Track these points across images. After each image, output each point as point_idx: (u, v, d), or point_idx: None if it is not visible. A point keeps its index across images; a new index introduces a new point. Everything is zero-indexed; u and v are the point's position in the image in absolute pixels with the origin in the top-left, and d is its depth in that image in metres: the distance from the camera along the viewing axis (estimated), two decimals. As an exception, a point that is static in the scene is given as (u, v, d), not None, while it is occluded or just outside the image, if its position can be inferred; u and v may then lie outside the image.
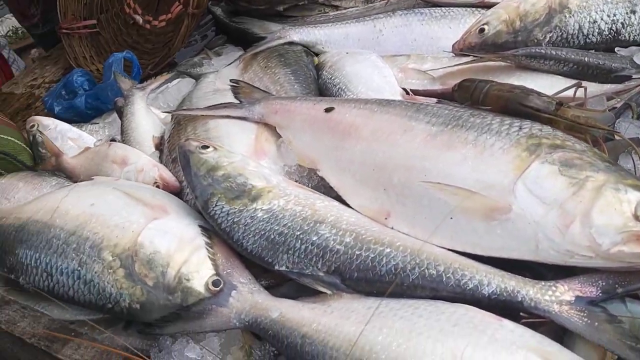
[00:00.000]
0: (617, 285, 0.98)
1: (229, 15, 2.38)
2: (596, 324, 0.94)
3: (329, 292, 1.11)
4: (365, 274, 1.10)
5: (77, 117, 2.01)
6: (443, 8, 1.85)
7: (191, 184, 1.32)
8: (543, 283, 1.01)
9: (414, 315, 0.99)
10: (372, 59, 1.70)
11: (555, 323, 0.98)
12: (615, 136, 1.21)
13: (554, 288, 1.00)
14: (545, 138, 1.12)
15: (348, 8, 2.25)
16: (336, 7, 2.31)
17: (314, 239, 1.16)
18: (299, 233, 1.18)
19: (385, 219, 1.21)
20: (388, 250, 1.10)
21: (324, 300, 1.10)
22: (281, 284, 1.23)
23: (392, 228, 1.19)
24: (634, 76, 1.44)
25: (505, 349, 0.90)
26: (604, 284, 0.99)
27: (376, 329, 0.99)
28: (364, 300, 1.08)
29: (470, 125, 1.20)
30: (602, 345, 0.92)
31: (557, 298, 0.99)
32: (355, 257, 1.11)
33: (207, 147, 1.36)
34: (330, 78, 1.70)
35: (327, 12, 2.27)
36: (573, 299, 0.98)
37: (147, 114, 1.79)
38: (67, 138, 1.83)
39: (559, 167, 1.06)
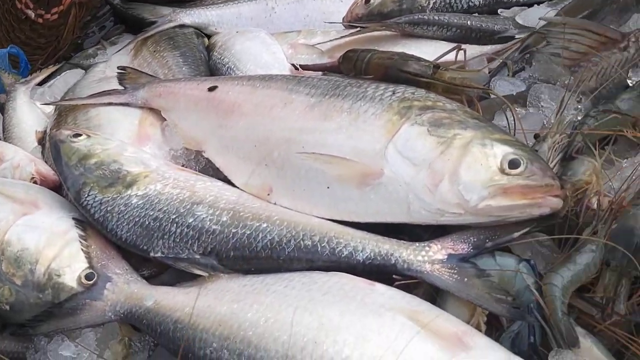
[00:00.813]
0: (487, 240, 0.97)
1: (126, 2, 2.28)
2: (465, 279, 0.93)
3: (205, 274, 1.06)
4: (242, 251, 1.06)
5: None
6: (335, -18, 1.82)
7: (62, 174, 1.25)
8: (417, 244, 1.00)
9: (287, 288, 0.96)
10: (262, 36, 1.65)
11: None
12: (491, 95, 1.21)
13: (427, 248, 0.99)
14: (417, 100, 1.11)
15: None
16: (236, -14, 2.25)
17: (190, 221, 1.11)
18: (174, 217, 1.13)
19: (268, 194, 1.17)
20: (264, 225, 1.07)
21: (201, 283, 1.06)
22: (162, 272, 1.17)
23: (275, 203, 1.15)
24: (516, 36, 1.45)
25: (373, 312, 0.88)
26: (475, 239, 0.98)
27: (247, 305, 0.95)
28: (240, 278, 1.04)
29: (347, 93, 1.17)
30: (470, 300, 0.91)
31: (430, 258, 0.97)
32: (231, 235, 1.07)
33: (80, 135, 1.29)
34: (220, 58, 1.65)
35: (226, -10, 2.21)
36: (445, 257, 0.97)
37: (31, 109, 1.69)
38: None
39: (427, 128, 1.05)
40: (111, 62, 1.83)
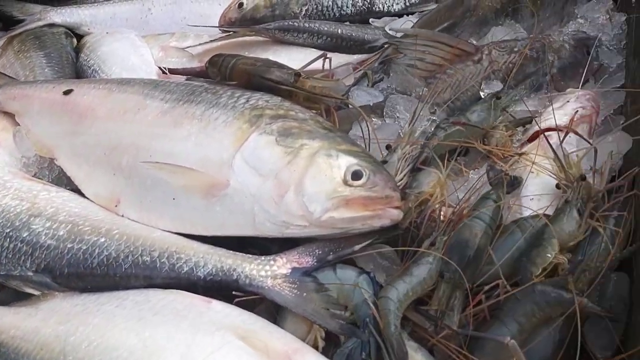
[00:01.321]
0: (330, 253, 0.96)
1: (-3, -2, 2.14)
2: (304, 294, 0.91)
3: (37, 293, 0.99)
4: (77, 268, 1.00)
5: None
6: (214, -17, 1.78)
7: None
8: (262, 258, 0.97)
9: (118, 308, 0.91)
10: (131, 37, 1.59)
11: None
12: (349, 105, 1.21)
13: (272, 262, 0.96)
14: (269, 109, 1.08)
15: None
16: (117, -16, 2.16)
17: (25, 235, 1.04)
18: (8, 230, 1.05)
19: (116, 206, 1.11)
20: (102, 240, 1.01)
21: (33, 303, 0.98)
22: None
23: (123, 215, 1.09)
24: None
25: (203, 331, 0.85)
26: (319, 252, 0.96)
27: (73, 327, 0.89)
28: (75, 297, 0.97)
29: (201, 100, 1.13)
30: (306, 316, 0.89)
31: (273, 272, 0.95)
32: (66, 251, 1.01)
33: None
34: (86, 60, 1.57)
35: (109, -10, 2.11)
36: (289, 271, 0.95)
37: None
38: None
39: (276, 137, 1.02)
40: (-31, 60, 1.71)
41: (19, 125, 1.34)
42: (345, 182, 0.97)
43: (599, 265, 0.90)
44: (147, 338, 0.84)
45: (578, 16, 1.52)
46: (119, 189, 1.12)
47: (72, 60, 1.63)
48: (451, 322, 0.89)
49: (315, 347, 0.89)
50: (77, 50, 1.66)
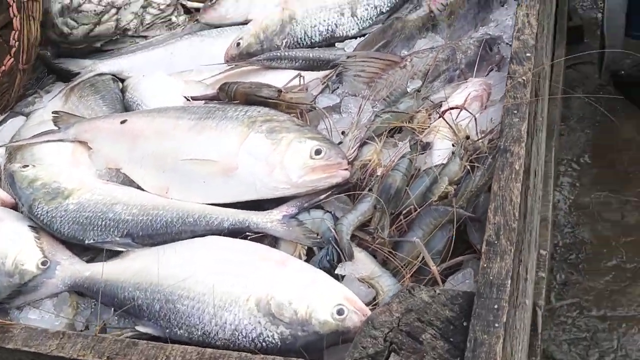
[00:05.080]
0: (305, 202, 1.49)
1: (55, 57, 2.73)
2: (290, 228, 1.45)
3: (123, 249, 1.55)
4: (147, 231, 1.55)
5: None
6: (218, 29, 2.33)
7: (17, 195, 1.71)
8: (264, 212, 1.51)
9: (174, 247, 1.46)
10: (161, 77, 2.15)
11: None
12: (316, 107, 1.74)
13: (270, 213, 1.50)
14: (260, 117, 1.63)
15: (154, 36, 2.68)
16: (145, 37, 2.73)
17: (110, 215, 1.59)
18: (99, 214, 1.61)
19: (167, 192, 1.66)
20: (161, 212, 1.56)
21: (122, 256, 1.54)
22: (96, 256, 1.65)
23: (172, 198, 1.65)
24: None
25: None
26: (299, 203, 1.50)
27: (150, 260, 1.44)
28: (149, 249, 1.53)
29: (215, 116, 1.68)
30: (292, 240, 1.44)
31: (272, 218, 1.49)
32: (139, 221, 1.56)
33: (27, 166, 1.75)
34: (131, 97, 2.13)
35: (138, 42, 2.69)
36: (281, 217, 1.49)
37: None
38: None
39: (265, 134, 1.57)
40: (47, 107, 2.28)
41: (91, 149, 1.91)
42: (311, 157, 1.50)
43: (473, 189, 1.41)
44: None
45: (492, 20, 2.03)
46: (167, 181, 1.66)
47: (120, 99, 2.19)
48: (382, 234, 1.41)
49: (300, 258, 1.43)
50: (123, 90, 2.24)
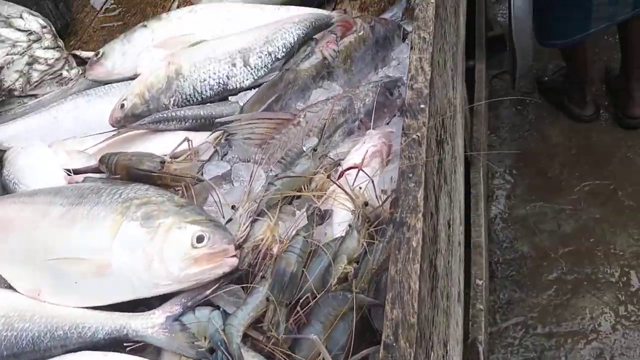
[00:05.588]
0: (190, 300, 1.30)
1: None
2: (173, 335, 1.26)
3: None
4: (12, 350, 1.33)
5: None
6: (106, 86, 2.13)
7: None
8: (145, 314, 1.32)
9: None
10: (40, 150, 1.92)
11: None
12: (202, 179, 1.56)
13: (152, 315, 1.31)
14: (136, 199, 1.43)
15: (45, 94, 2.44)
16: (35, 96, 2.50)
17: (-32, 333, 1.37)
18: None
19: (39, 295, 1.45)
20: (28, 325, 1.35)
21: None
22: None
23: (45, 301, 1.44)
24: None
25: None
26: (184, 300, 1.31)
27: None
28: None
29: (87, 201, 1.48)
30: (173, 350, 1.25)
31: (153, 323, 1.29)
32: (2, 338, 1.35)
33: None
34: (7, 174, 1.90)
35: (26, 103, 2.45)
36: (164, 319, 1.29)
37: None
38: None
39: (140, 222, 1.37)
40: None
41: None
42: (193, 246, 1.32)
43: (374, 267, 1.25)
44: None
45: (393, 58, 1.88)
46: (38, 281, 1.45)
47: (-3, 174, 1.97)
48: (278, 332, 1.24)
49: (186, 371, 1.24)
50: (2, 165, 2.00)
